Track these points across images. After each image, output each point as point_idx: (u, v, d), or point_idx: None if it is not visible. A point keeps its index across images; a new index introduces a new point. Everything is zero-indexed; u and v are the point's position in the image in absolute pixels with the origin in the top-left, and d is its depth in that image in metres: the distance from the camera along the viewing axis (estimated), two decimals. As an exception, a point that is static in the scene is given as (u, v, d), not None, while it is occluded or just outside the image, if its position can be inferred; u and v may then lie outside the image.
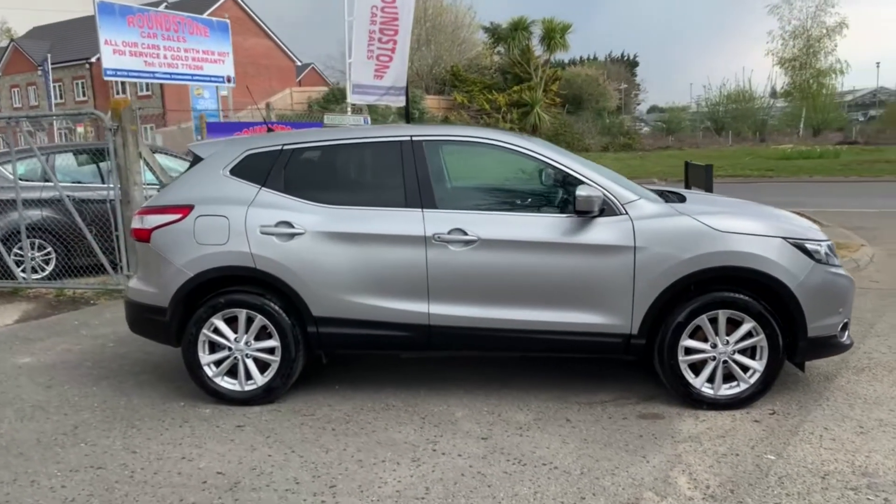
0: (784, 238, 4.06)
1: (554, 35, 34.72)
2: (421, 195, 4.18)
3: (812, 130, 45.63)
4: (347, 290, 4.15)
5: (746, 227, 4.07)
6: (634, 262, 4.00)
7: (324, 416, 4.13)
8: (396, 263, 4.12)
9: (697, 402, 4.10)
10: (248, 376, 4.29)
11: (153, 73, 8.96)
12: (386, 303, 4.15)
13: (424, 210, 4.15)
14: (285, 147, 4.35)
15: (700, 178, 8.71)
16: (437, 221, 4.11)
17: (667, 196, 4.55)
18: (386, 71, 11.05)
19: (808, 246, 4.09)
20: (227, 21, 9.59)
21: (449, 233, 4.08)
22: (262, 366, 4.31)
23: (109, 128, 7.23)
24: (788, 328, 4.05)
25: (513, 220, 4.17)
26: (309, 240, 4.14)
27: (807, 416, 3.99)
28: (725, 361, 4.08)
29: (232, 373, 4.32)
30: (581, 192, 3.96)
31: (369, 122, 11.39)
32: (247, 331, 4.26)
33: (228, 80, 9.79)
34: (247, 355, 4.27)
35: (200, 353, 4.28)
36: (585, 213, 3.99)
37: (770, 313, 4.01)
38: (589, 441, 3.72)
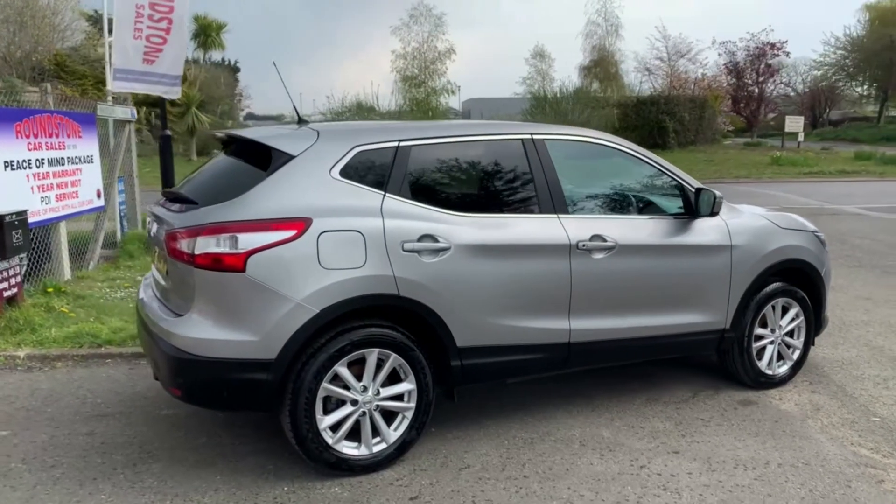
0: (813, 232, 4.72)
1: (210, 32, 32.55)
2: (553, 199, 3.77)
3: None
4: (493, 312, 3.54)
5: (795, 224, 4.63)
6: (731, 259, 4.23)
7: (486, 465, 3.46)
8: (544, 277, 3.66)
9: (763, 383, 4.51)
10: (374, 433, 3.37)
11: None
12: (528, 322, 3.65)
13: (560, 216, 3.77)
14: (402, 144, 3.49)
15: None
16: (575, 227, 3.77)
17: None
18: (159, 55, 9.16)
19: (820, 236, 4.81)
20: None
21: (591, 239, 3.77)
22: (387, 417, 3.42)
23: None
24: (815, 309, 4.72)
25: (639, 223, 4.04)
26: (455, 256, 3.41)
27: (837, 382, 4.67)
28: (780, 343, 4.58)
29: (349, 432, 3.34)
30: (718, 192, 4.04)
31: (135, 114, 9.36)
32: (374, 376, 3.33)
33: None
34: (375, 407, 3.34)
35: (318, 416, 3.21)
36: (714, 216, 4.09)
37: (807, 298, 4.63)
38: (754, 435, 3.83)
